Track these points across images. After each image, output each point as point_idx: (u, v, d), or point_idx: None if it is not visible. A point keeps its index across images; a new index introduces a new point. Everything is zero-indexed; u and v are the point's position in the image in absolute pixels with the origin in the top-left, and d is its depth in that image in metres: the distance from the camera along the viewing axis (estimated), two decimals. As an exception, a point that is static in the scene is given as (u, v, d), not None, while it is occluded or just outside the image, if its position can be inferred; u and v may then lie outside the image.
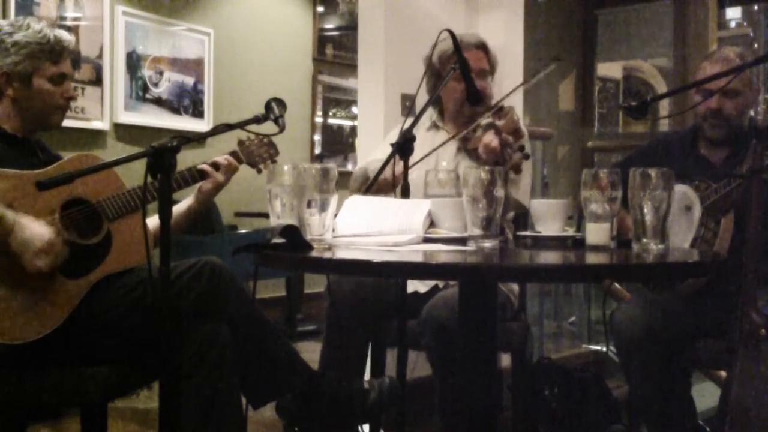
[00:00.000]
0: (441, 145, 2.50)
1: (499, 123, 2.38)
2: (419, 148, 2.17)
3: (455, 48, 2.22)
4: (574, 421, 2.50)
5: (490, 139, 2.29)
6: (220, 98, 5.31)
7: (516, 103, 3.61)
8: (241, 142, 2.31)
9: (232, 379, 1.97)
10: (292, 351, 2.16)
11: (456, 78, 2.43)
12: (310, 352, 2.66)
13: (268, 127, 1.91)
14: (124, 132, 4.78)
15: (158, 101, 4.98)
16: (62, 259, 1.92)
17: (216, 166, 2.22)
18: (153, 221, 2.05)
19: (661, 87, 6.16)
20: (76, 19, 4.51)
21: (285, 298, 4.98)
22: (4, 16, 4.12)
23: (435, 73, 2.62)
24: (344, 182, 2.53)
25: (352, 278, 2.47)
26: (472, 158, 2.47)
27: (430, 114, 2.74)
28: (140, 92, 4.87)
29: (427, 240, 1.78)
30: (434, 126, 2.74)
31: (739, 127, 2.44)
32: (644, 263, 1.61)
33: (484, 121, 2.45)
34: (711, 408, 2.76)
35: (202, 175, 2.22)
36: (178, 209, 2.25)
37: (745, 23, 6.25)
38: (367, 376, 2.56)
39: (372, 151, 2.96)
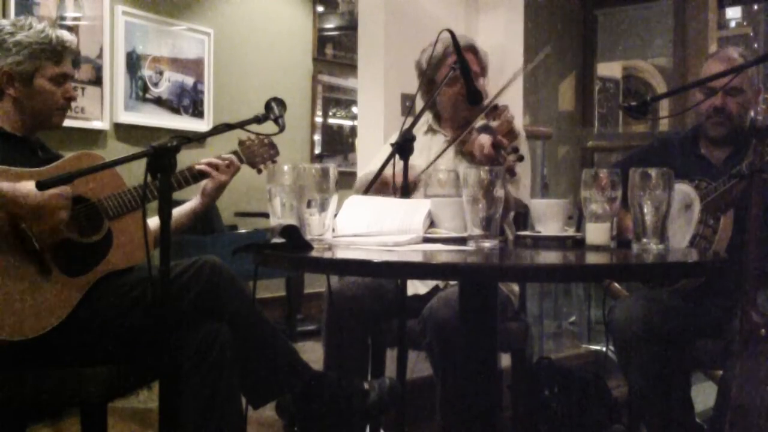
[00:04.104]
0: (440, 155, 2.49)
1: (494, 124, 2.38)
2: (417, 153, 2.18)
3: (455, 48, 2.23)
4: (574, 421, 2.50)
5: (484, 141, 2.29)
6: (220, 98, 5.31)
7: (515, 102, 3.61)
8: (241, 142, 2.31)
9: (232, 379, 1.97)
10: (292, 351, 2.16)
11: (449, 82, 2.43)
12: (310, 352, 2.67)
13: (268, 127, 1.91)
14: (124, 132, 4.78)
15: (158, 101, 4.98)
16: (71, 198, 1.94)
17: (215, 166, 2.23)
18: (154, 221, 2.06)
19: (661, 87, 6.16)
20: (75, 18, 4.51)
21: (285, 298, 4.98)
22: (4, 15, 4.12)
23: (427, 78, 2.62)
24: (344, 182, 2.53)
25: (351, 278, 2.47)
26: (469, 161, 2.48)
27: (427, 118, 2.73)
28: (140, 92, 4.87)
29: (427, 240, 1.78)
30: (431, 130, 2.73)
31: (741, 126, 2.45)
32: (644, 263, 1.61)
33: (479, 123, 2.44)
34: (711, 408, 2.76)
35: (202, 174, 2.22)
36: (181, 210, 2.26)
37: (745, 23, 6.25)
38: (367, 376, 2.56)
39: (372, 151, 2.97)
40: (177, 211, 2.22)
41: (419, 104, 2.37)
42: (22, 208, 1.87)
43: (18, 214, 1.88)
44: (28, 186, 1.88)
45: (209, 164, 2.22)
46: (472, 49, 2.63)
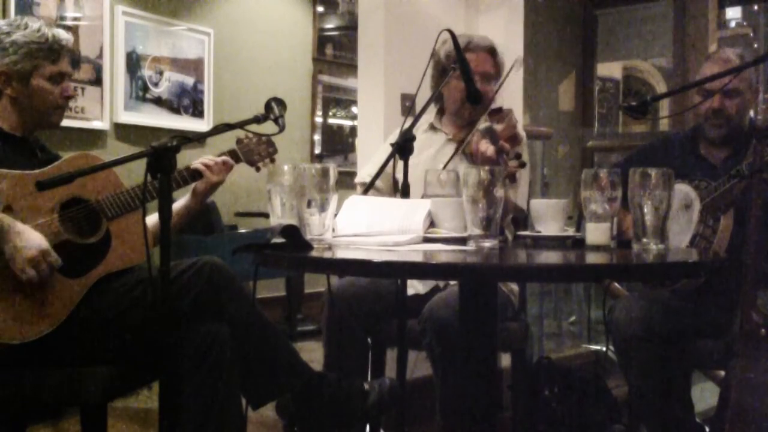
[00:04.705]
0: (449, 159, 2.49)
1: (498, 127, 2.38)
2: (416, 151, 2.17)
3: (455, 48, 2.22)
4: (574, 421, 2.50)
5: (486, 147, 2.29)
6: (220, 98, 5.31)
7: (516, 103, 3.61)
8: (239, 141, 2.30)
9: (232, 379, 1.97)
10: (292, 351, 2.16)
11: (459, 77, 2.43)
12: (310, 352, 2.66)
13: (268, 127, 1.91)
14: (124, 132, 4.78)
15: (158, 101, 4.98)
16: (56, 267, 1.91)
17: (209, 167, 2.21)
18: (152, 220, 2.05)
19: (661, 87, 6.16)
20: (75, 19, 4.51)
21: (285, 298, 4.98)
22: (4, 15, 4.12)
23: (441, 69, 2.62)
24: (344, 182, 2.54)
25: (351, 278, 2.47)
26: (469, 160, 2.48)
27: (428, 117, 2.73)
28: (140, 92, 4.87)
29: (427, 240, 1.78)
30: (431, 128, 2.73)
31: (740, 127, 2.44)
32: (644, 263, 1.61)
33: (483, 124, 2.44)
34: (711, 408, 2.76)
35: (198, 174, 2.21)
36: (176, 208, 2.25)
37: (745, 23, 6.25)
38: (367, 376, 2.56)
39: (372, 151, 2.96)
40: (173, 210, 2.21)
41: (421, 100, 2.35)
42: (3, 241, 1.87)
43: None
44: (27, 234, 1.88)
45: (204, 164, 2.21)
46: (493, 51, 2.64)
